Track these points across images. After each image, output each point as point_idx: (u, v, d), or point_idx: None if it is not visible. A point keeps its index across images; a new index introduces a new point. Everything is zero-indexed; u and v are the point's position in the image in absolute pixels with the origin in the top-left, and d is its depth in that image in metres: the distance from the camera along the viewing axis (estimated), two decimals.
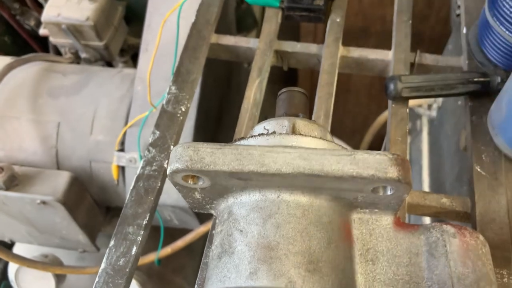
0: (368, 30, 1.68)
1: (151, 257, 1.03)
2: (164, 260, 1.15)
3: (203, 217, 1.04)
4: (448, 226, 0.36)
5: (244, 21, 1.50)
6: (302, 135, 0.38)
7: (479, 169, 0.51)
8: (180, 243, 1.02)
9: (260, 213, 0.35)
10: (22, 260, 0.93)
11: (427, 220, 1.01)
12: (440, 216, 0.53)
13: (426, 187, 1.09)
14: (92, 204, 1.02)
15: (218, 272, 0.34)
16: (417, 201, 0.51)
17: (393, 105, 0.57)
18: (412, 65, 0.63)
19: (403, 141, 0.54)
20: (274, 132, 0.38)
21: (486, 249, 0.36)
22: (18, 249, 1.18)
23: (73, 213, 0.94)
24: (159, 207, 0.97)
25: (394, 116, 0.57)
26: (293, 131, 0.39)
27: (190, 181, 0.35)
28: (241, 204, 0.36)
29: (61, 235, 1.01)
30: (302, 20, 0.67)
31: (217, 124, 1.13)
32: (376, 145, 1.32)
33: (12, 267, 1.06)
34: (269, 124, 0.41)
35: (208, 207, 0.40)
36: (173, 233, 1.08)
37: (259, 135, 0.38)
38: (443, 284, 0.34)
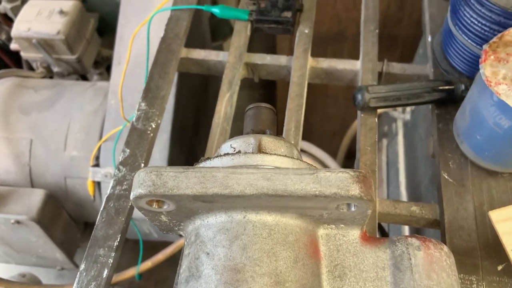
0: (343, 34, 1.70)
1: (131, 272, 1.02)
2: (146, 274, 1.13)
3: None
4: (413, 239, 0.37)
5: (220, 29, 1.50)
6: (267, 153, 0.38)
7: (446, 176, 0.52)
8: (160, 256, 1.01)
9: (227, 235, 0.35)
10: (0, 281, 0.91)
11: (406, 228, 1.02)
12: (411, 223, 0.54)
13: (403, 189, 1.10)
14: (69, 221, 1.01)
15: None
16: (388, 210, 0.52)
17: (362, 115, 0.58)
18: (380, 74, 0.63)
19: (372, 150, 0.55)
20: (239, 152, 0.38)
21: (451, 260, 0.36)
22: None
23: (49, 231, 0.92)
24: (137, 221, 0.96)
25: (363, 126, 0.57)
26: (259, 149, 0.39)
27: (155, 205, 0.35)
28: (207, 226, 0.36)
29: (37, 254, 0.99)
30: (271, 32, 0.67)
31: (194, 134, 1.12)
32: (355, 147, 1.33)
33: None
34: (236, 143, 0.41)
35: (177, 229, 0.40)
36: (155, 245, 1.07)
37: (225, 155, 0.38)
38: None
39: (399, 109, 1.16)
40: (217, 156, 0.38)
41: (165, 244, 1.04)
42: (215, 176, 0.34)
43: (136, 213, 0.93)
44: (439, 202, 0.52)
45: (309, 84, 0.63)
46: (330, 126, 2.08)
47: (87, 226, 1.15)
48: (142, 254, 1.00)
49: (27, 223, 0.88)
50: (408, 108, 1.13)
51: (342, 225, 0.38)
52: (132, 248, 1.20)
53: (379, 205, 0.52)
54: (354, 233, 0.38)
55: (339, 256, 0.37)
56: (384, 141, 1.30)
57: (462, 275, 0.45)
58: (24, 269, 1.07)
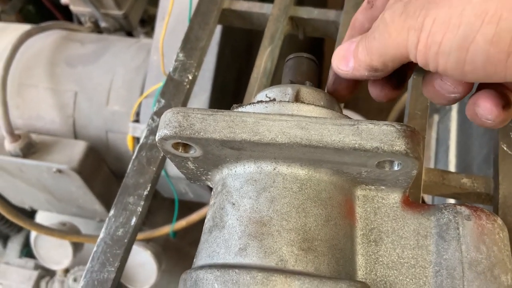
0: None
1: (166, 229, 1.03)
2: (180, 234, 1.15)
3: None
4: (463, 207, 0.33)
5: None
6: (304, 103, 0.34)
7: (505, 148, 0.47)
8: (195, 216, 1.01)
9: (254, 186, 0.32)
10: (40, 228, 0.94)
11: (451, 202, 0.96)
12: (460, 197, 0.49)
13: (452, 168, 1.03)
14: (109, 174, 1.03)
15: (208, 246, 0.32)
16: (435, 181, 0.47)
17: (415, 77, 0.53)
18: None
19: (422, 115, 0.50)
20: (274, 100, 0.35)
21: (504, 233, 0.32)
22: (40, 216, 1.20)
23: (89, 182, 0.94)
24: (174, 179, 0.96)
25: (415, 89, 0.52)
26: (296, 99, 0.36)
27: (181, 150, 0.33)
28: (235, 176, 0.34)
29: (78, 204, 1.02)
30: None
31: (234, 99, 1.10)
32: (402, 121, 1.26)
33: (33, 234, 1.09)
34: (272, 92, 0.38)
35: (204, 178, 0.38)
36: (191, 206, 1.08)
37: (258, 102, 0.35)
38: (453, 270, 0.31)
39: None
40: (251, 103, 0.36)
41: (200, 205, 1.04)
42: (245, 121, 0.31)
43: (173, 171, 0.93)
44: (494, 176, 0.47)
45: None
46: (377, 102, 1.99)
47: None
48: (178, 214, 1.01)
49: (68, 173, 0.90)
50: None
51: (383, 187, 0.34)
52: (168, 207, 1.22)
53: (425, 174, 0.48)
54: (395, 197, 0.34)
55: (376, 220, 0.34)
56: (436, 117, 1.22)
57: None
58: (65, 219, 1.11)
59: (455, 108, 1.10)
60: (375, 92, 0.38)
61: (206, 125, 0.31)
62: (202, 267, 0.30)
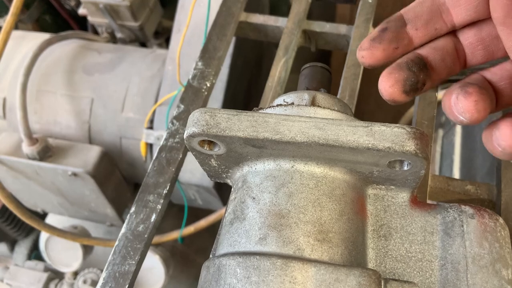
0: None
1: (175, 234, 1.05)
2: (187, 240, 1.17)
3: (226, 199, 1.06)
4: (467, 207, 0.35)
5: (278, 7, 1.49)
6: (320, 107, 0.37)
7: None
8: (203, 222, 1.03)
9: (274, 182, 0.35)
10: (52, 230, 0.97)
11: None
12: (464, 204, 0.52)
13: None
14: (121, 179, 1.06)
15: (229, 237, 0.35)
16: (440, 187, 0.50)
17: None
18: None
19: (429, 125, 0.53)
20: (292, 103, 0.38)
21: (506, 232, 0.34)
22: (50, 220, 1.23)
23: (102, 187, 0.97)
24: (184, 185, 0.98)
25: (422, 99, 0.55)
26: (313, 103, 0.39)
27: (206, 147, 0.36)
28: (255, 173, 0.36)
29: (90, 208, 1.05)
30: (333, 0, 0.66)
31: (244, 109, 1.13)
32: None
33: (43, 237, 1.11)
34: (289, 97, 0.41)
35: (224, 176, 0.40)
36: (198, 214, 1.10)
37: (277, 105, 0.38)
38: (457, 264, 0.33)
39: None
40: (270, 107, 0.39)
41: (208, 212, 1.06)
42: (267, 121, 0.34)
43: (184, 177, 0.96)
44: (497, 183, 0.49)
45: (364, 71, 0.61)
46: (383, 115, 2.01)
47: (136, 187, 1.20)
48: (186, 220, 1.03)
49: (82, 176, 0.93)
50: None
51: (392, 187, 0.37)
52: (176, 214, 1.24)
53: (431, 180, 0.50)
54: (404, 196, 0.37)
55: (386, 217, 0.36)
56: (440, 132, 1.25)
57: None
58: (76, 222, 1.14)
59: None
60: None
61: (231, 124, 0.34)
62: (224, 255, 0.33)
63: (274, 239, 0.32)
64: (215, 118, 0.34)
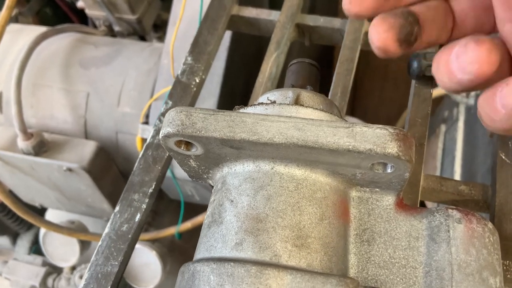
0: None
1: (172, 230, 1.04)
2: (186, 236, 1.16)
3: None
4: (454, 211, 0.34)
5: (278, 0, 1.47)
6: (303, 106, 0.36)
7: (503, 157, 0.48)
8: (200, 218, 1.03)
9: (252, 184, 0.34)
10: (49, 225, 0.97)
11: None
12: (458, 204, 0.50)
13: (457, 178, 1.04)
14: (118, 175, 1.05)
15: (206, 241, 0.33)
16: (433, 187, 0.48)
17: (416, 85, 0.54)
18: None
19: (423, 123, 0.51)
20: (274, 102, 0.37)
21: (495, 238, 0.33)
22: (50, 214, 1.23)
23: (98, 182, 0.96)
24: (180, 181, 0.98)
25: (416, 96, 0.53)
26: (296, 102, 0.38)
27: (183, 148, 0.35)
28: (234, 174, 0.35)
29: (86, 203, 1.04)
30: None
31: (242, 104, 1.11)
32: None
33: (42, 232, 1.11)
34: (273, 95, 0.39)
35: (205, 176, 0.39)
36: (198, 209, 1.09)
37: (259, 104, 0.37)
38: (442, 271, 0.31)
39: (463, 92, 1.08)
40: (252, 105, 0.37)
41: (206, 208, 1.05)
42: (244, 121, 0.32)
43: (180, 173, 0.95)
44: (492, 184, 0.48)
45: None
46: (386, 110, 2.00)
47: None
48: (184, 216, 1.02)
49: (78, 172, 0.92)
50: (473, 92, 1.05)
51: (377, 189, 0.35)
52: (174, 209, 1.23)
53: (424, 180, 0.49)
54: (389, 199, 0.35)
55: (370, 221, 0.35)
56: (443, 127, 1.23)
57: (508, 262, 0.42)
58: (73, 217, 1.13)
59: (462, 118, 1.11)
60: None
61: (207, 124, 0.33)
62: (199, 260, 0.32)
63: (251, 245, 0.31)
64: (191, 118, 0.33)
